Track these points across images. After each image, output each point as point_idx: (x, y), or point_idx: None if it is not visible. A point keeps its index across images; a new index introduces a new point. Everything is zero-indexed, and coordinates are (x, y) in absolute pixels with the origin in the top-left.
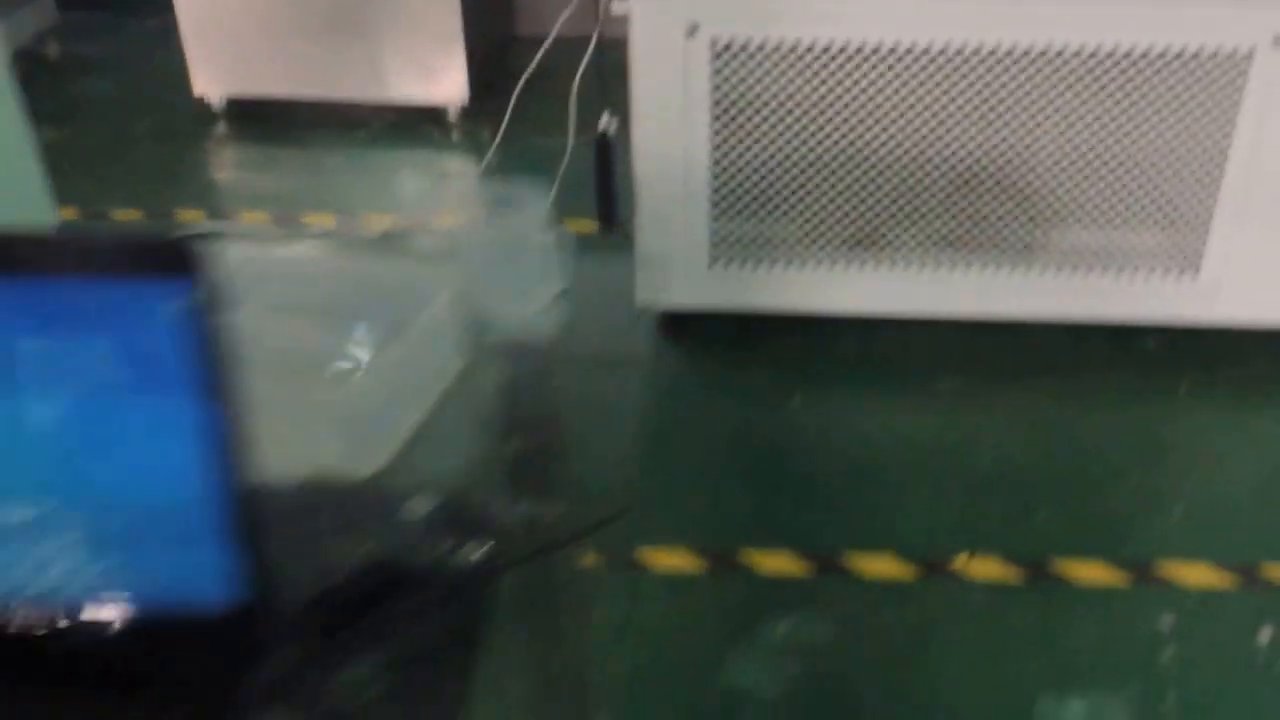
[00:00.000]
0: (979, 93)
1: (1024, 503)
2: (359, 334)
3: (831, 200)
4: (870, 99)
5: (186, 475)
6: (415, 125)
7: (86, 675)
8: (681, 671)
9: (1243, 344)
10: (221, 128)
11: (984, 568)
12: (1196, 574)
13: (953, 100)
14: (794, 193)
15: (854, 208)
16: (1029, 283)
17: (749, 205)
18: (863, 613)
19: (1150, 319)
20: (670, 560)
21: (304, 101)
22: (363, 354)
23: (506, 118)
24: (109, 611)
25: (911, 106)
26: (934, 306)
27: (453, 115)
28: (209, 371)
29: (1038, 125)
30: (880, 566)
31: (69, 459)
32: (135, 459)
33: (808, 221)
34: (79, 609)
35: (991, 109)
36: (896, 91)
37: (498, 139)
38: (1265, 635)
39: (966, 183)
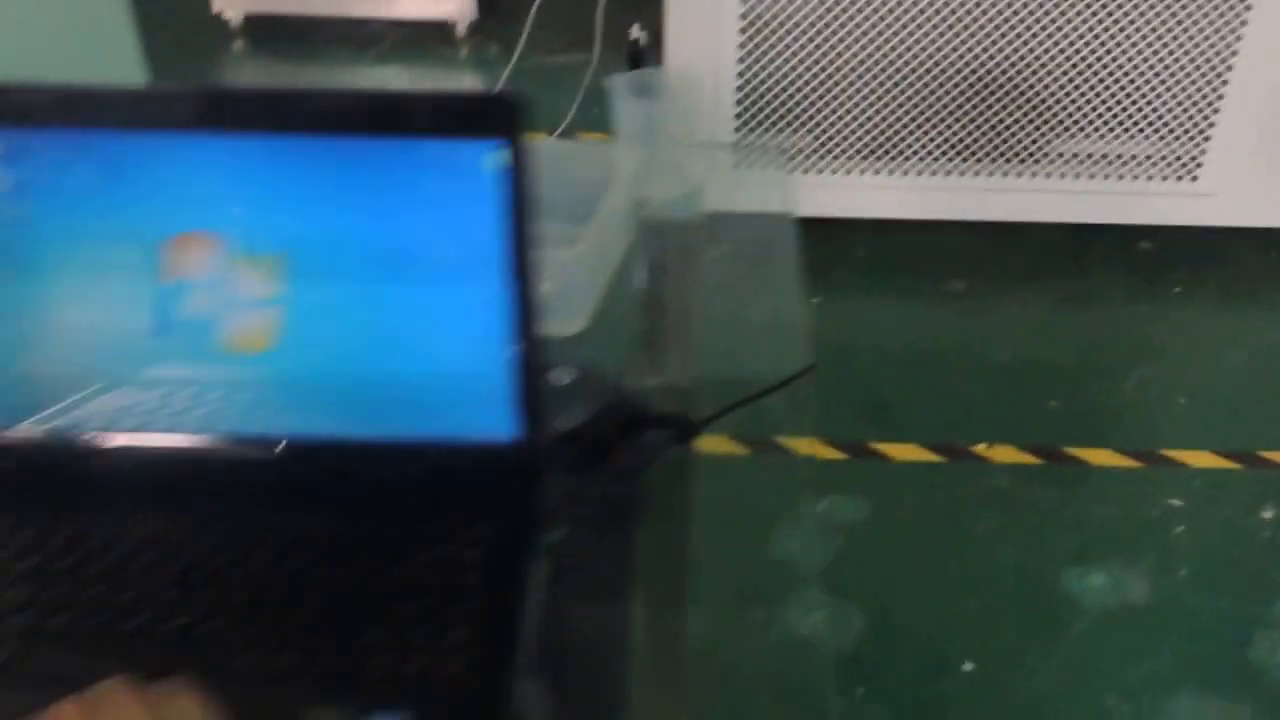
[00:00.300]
0: (991, 2)
1: (1036, 395)
2: (559, 215)
3: (849, 111)
4: (889, 11)
5: (488, 323)
6: (425, 42)
7: (394, 504)
8: (735, 544)
9: (1232, 244)
10: (239, 45)
11: (1003, 454)
12: (1201, 458)
13: (965, 10)
14: (813, 104)
15: (869, 117)
16: (1035, 187)
17: (770, 117)
18: (894, 494)
19: (1149, 222)
20: (712, 444)
21: (318, 18)
22: (563, 233)
23: (526, 29)
24: (407, 442)
25: (929, 19)
26: (944, 210)
27: (461, 30)
28: (517, 224)
29: (1046, 33)
30: (906, 453)
31: (382, 304)
32: (443, 307)
33: (824, 132)
34: (379, 443)
35: (1002, 17)
36: (915, 3)
37: (516, 53)
38: (1268, 512)
39: (977, 91)
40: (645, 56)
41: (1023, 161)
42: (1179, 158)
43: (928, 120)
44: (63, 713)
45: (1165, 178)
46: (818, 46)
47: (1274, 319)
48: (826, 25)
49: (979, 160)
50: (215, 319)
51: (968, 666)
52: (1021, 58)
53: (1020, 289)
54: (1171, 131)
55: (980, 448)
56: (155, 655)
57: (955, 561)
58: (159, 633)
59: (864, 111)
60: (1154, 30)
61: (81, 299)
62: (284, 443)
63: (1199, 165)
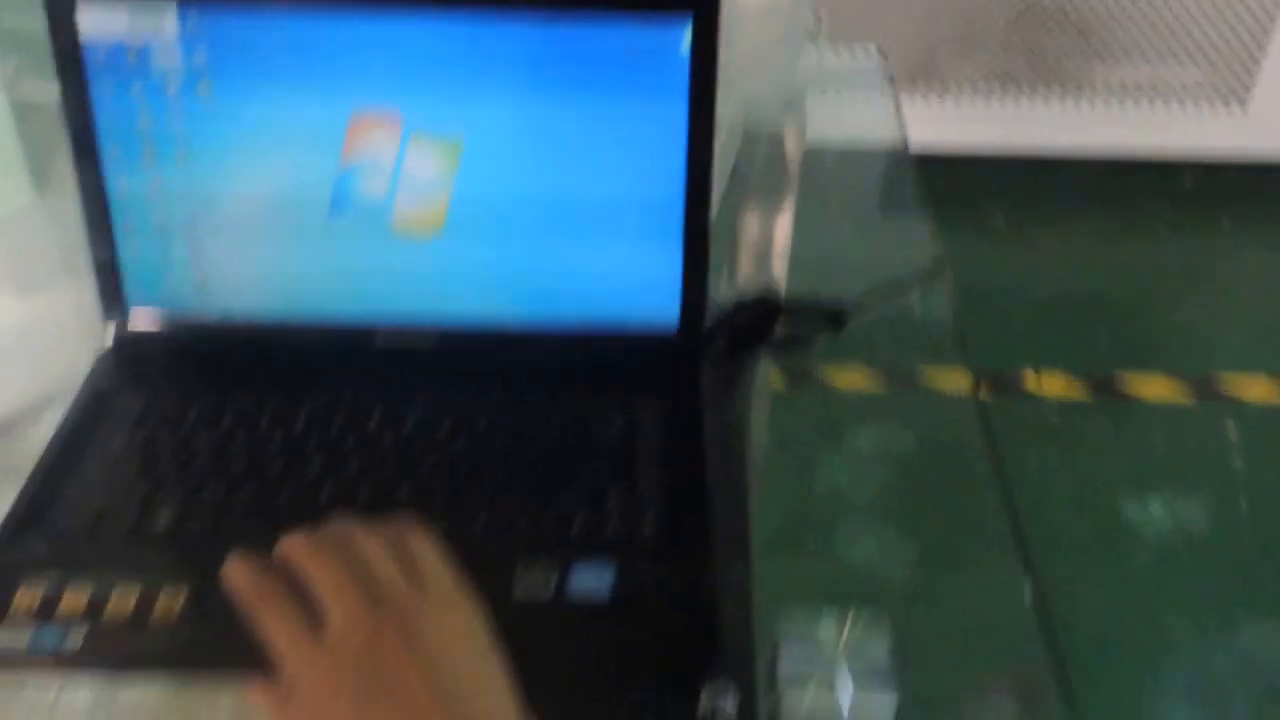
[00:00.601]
0: None
1: (1083, 327)
2: None
3: (887, 35)
4: None
5: (658, 211)
6: None
7: (560, 391)
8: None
9: (1276, 178)
10: None
11: (1052, 384)
12: (1256, 388)
13: None
14: (850, 27)
15: (909, 42)
16: (1080, 117)
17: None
18: (941, 425)
19: (1197, 152)
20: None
21: None
22: None
23: None
24: (570, 330)
25: None
26: (986, 141)
27: None
28: (699, 108)
29: None
30: (951, 381)
31: (554, 189)
32: (615, 195)
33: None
34: (542, 331)
35: None
36: None
37: None
38: None
39: (1021, 16)
40: None
41: (1067, 90)
42: (1228, 85)
43: (970, 46)
44: (291, 543)
45: (1214, 106)
46: None
47: None
48: None
49: (1022, 89)
50: (390, 201)
51: (1027, 597)
52: None
53: (1064, 222)
54: (1221, 57)
55: (1030, 379)
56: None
57: (1011, 492)
58: (352, 502)
59: (903, 36)
60: None
61: (262, 179)
62: (449, 329)
63: (1248, 93)
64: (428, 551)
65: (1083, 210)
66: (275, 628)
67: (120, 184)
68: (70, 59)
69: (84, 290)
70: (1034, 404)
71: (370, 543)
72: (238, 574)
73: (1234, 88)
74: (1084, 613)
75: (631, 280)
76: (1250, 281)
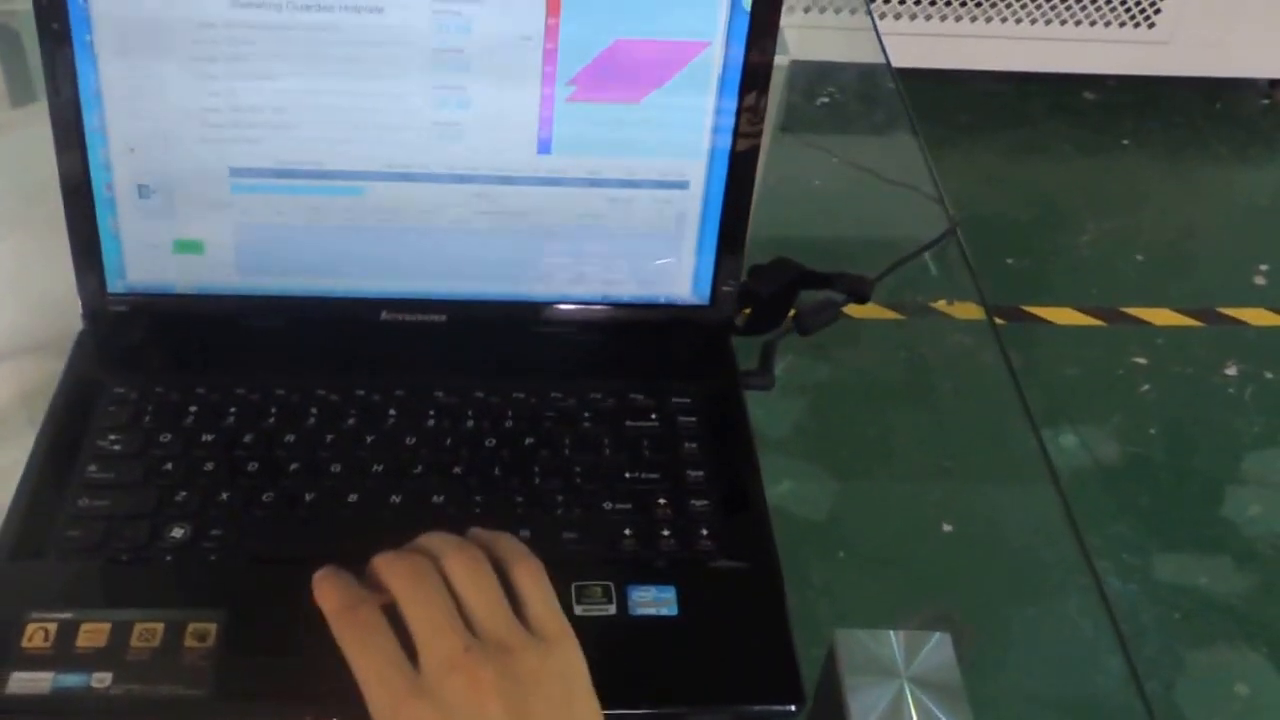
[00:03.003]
0: None
1: (992, 252)
2: None
3: None
4: None
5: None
6: None
7: (590, 368)
8: None
9: (1178, 94)
10: None
11: (965, 310)
12: (1162, 315)
13: None
14: None
15: None
16: (980, 32)
17: None
18: (855, 356)
19: (1101, 70)
20: None
21: None
22: None
23: None
24: (598, 302)
25: None
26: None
27: None
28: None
29: None
30: (867, 311)
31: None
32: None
33: None
34: (570, 303)
35: None
36: None
37: None
38: (1231, 369)
39: None
40: None
41: (965, 5)
42: (1138, 3)
43: None
44: (384, 564)
45: (1123, 24)
46: None
47: (1223, 173)
48: None
49: (919, 3)
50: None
51: (947, 528)
52: None
53: (966, 140)
54: None
55: (940, 304)
56: (383, 529)
57: (924, 422)
58: (383, 510)
59: None
60: None
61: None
62: (461, 302)
63: (1158, 11)
64: (531, 580)
65: (983, 130)
66: (365, 662)
67: (101, 140)
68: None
69: (15, 249)
70: (946, 329)
71: (473, 569)
72: (329, 595)
73: (1143, 5)
74: (1004, 547)
75: (658, 249)
76: (1154, 204)
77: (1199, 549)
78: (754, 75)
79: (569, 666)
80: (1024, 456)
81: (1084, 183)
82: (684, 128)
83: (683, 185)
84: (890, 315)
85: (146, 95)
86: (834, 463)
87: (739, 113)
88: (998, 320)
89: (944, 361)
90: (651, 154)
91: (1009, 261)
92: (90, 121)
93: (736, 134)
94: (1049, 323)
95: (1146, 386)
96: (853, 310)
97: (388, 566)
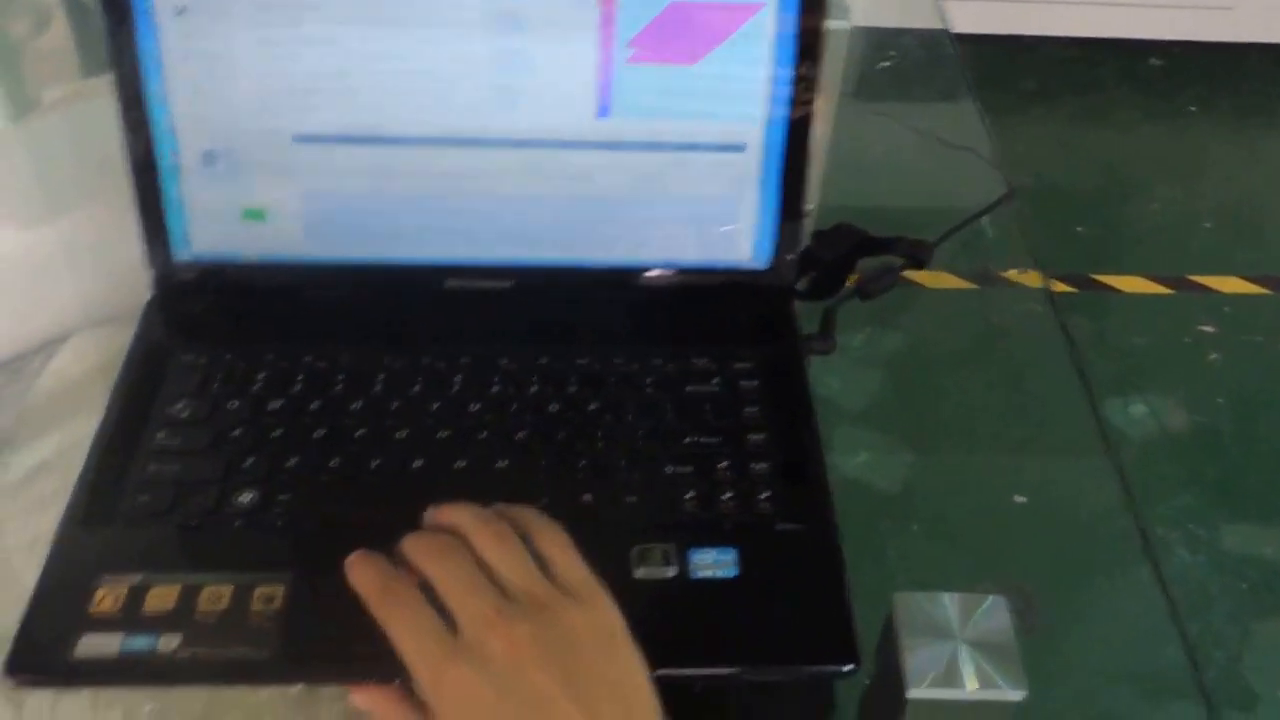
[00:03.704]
0: None
1: (1061, 220)
2: None
3: None
4: None
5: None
6: None
7: (652, 333)
8: None
9: (1245, 61)
10: None
11: (1035, 279)
12: (1229, 283)
13: None
14: None
15: None
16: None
17: None
18: (928, 327)
19: (1164, 36)
20: None
21: None
22: None
23: None
24: (660, 266)
25: None
26: (955, 23)
27: None
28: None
29: None
30: (936, 279)
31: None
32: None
33: None
34: (631, 269)
35: None
36: None
37: None
38: None
39: None
40: None
41: None
42: None
43: None
44: (413, 544)
45: None
46: None
47: None
48: None
49: None
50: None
51: (1020, 499)
52: None
53: (1033, 107)
54: None
55: (1012, 273)
56: (447, 494)
57: (996, 392)
58: (446, 474)
59: None
60: None
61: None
62: (526, 269)
63: None
64: (557, 545)
65: (1051, 96)
66: (405, 636)
67: (164, 107)
68: None
69: (88, 220)
70: (1016, 298)
71: (497, 537)
72: (363, 575)
73: None
74: (1075, 517)
75: (718, 213)
76: (1221, 171)
77: (1266, 520)
78: (809, 38)
79: (607, 621)
80: (1097, 427)
81: (1151, 150)
82: (740, 90)
83: (740, 148)
84: (962, 285)
85: (209, 60)
86: (909, 434)
87: (795, 76)
88: (1067, 289)
89: (1016, 331)
90: (709, 117)
91: (1078, 230)
92: (153, 88)
93: (793, 98)
94: (1117, 291)
95: (1214, 355)
96: (924, 280)
97: (415, 546)
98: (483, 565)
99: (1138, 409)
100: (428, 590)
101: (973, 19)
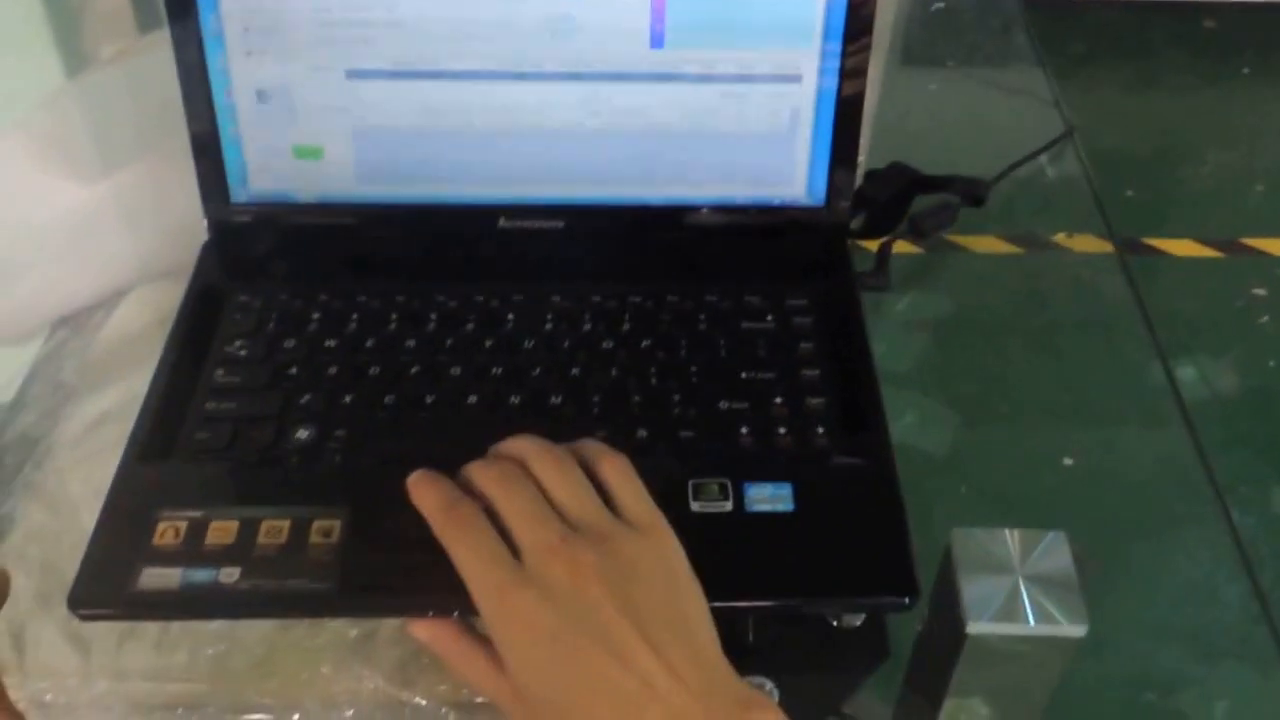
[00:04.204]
0: None
1: (1112, 183)
2: None
3: None
4: None
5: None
6: None
7: (705, 271)
8: None
9: None
10: None
11: (1083, 244)
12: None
13: None
14: None
15: None
16: None
17: None
18: (976, 290)
19: None
20: None
21: None
22: None
23: None
24: (713, 204)
25: None
26: None
27: None
28: None
29: None
30: (985, 244)
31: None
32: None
33: None
34: (684, 206)
35: None
36: None
37: None
38: None
39: None
40: None
41: None
42: None
43: None
44: (475, 469)
45: None
46: None
47: None
48: None
49: None
50: None
51: (1068, 461)
52: None
53: (1084, 70)
54: None
55: (1060, 237)
56: (503, 429)
57: (1044, 356)
58: (502, 410)
59: None
60: None
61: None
62: (579, 208)
63: None
64: (621, 476)
65: (1100, 59)
66: (469, 558)
67: (218, 45)
68: None
69: (145, 175)
70: (1064, 263)
71: (560, 467)
72: (427, 495)
73: None
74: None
75: (772, 149)
76: (1274, 135)
77: None
78: None
79: (668, 551)
80: (1143, 390)
81: (1203, 112)
82: (795, 17)
83: (795, 79)
84: (1010, 249)
85: None
86: (956, 397)
87: (850, 5)
88: (1116, 251)
89: (1063, 295)
90: (764, 45)
91: (1129, 193)
92: (207, 26)
93: (848, 30)
94: (1168, 254)
95: (1266, 318)
96: (972, 244)
97: (480, 472)
98: (546, 495)
99: (1188, 372)
100: (491, 517)
101: None
